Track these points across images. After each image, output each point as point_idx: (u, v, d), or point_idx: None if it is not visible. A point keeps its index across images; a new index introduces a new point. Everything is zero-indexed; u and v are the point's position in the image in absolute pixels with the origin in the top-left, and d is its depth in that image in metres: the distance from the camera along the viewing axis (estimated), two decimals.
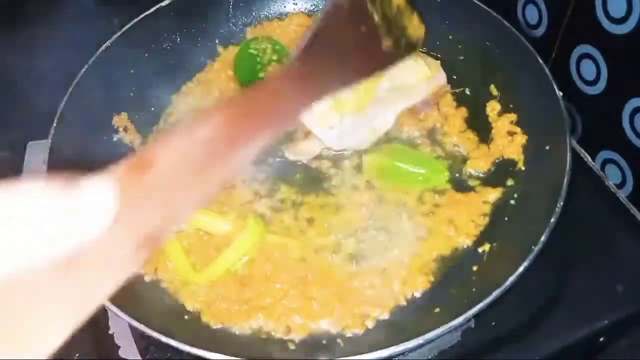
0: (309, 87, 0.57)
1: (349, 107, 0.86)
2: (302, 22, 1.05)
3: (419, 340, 0.65)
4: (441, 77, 0.94)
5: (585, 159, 0.97)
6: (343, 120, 0.86)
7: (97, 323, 0.82)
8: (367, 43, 0.67)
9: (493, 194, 0.84)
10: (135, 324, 0.68)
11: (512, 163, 0.87)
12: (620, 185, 0.94)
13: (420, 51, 0.92)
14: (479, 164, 0.88)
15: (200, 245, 0.82)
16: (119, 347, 0.80)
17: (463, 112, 0.94)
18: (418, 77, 0.90)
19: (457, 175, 0.88)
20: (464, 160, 0.89)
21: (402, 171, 0.87)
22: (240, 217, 0.82)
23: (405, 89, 0.90)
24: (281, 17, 1.08)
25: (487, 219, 0.83)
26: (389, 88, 0.89)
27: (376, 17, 0.68)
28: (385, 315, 0.76)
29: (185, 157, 0.37)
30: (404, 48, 0.72)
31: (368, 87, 0.87)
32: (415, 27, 0.75)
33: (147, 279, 0.80)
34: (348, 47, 0.66)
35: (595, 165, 0.97)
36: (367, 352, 0.65)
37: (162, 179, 0.35)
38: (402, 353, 0.67)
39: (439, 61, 0.93)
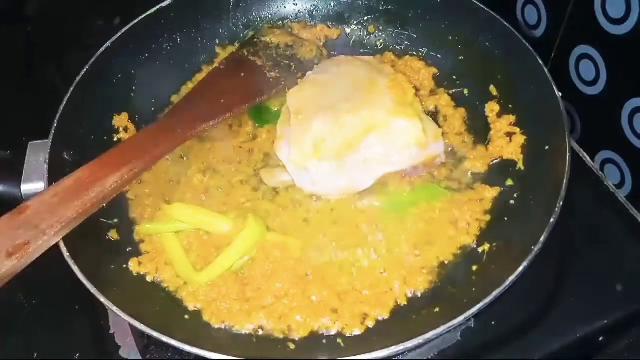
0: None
1: (327, 154, 0.82)
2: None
3: (419, 340, 0.66)
4: (438, 147, 0.87)
5: (585, 159, 0.98)
6: (320, 165, 0.83)
7: (97, 323, 0.82)
8: (251, 78, 0.94)
9: (492, 192, 0.85)
10: (135, 324, 0.68)
11: (512, 163, 0.87)
12: (620, 185, 0.94)
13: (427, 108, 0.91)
14: (477, 165, 0.88)
15: (201, 244, 0.82)
16: (119, 347, 0.80)
17: (462, 112, 0.94)
18: (410, 140, 0.83)
19: (456, 176, 0.88)
20: (463, 160, 0.89)
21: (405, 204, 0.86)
22: (241, 217, 0.82)
23: (394, 151, 0.83)
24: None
25: (487, 217, 0.83)
26: (377, 146, 0.82)
27: (259, 61, 0.96)
28: (385, 315, 0.76)
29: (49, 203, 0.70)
30: (299, 66, 0.97)
31: (351, 139, 0.82)
32: (306, 51, 0.99)
33: (148, 279, 0.80)
34: (232, 86, 0.92)
35: (595, 165, 0.97)
36: (367, 352, 0.65)
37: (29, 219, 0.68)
38: (402, 353, 0.68)
39: (441, 129, 0.89)
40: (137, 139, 0.86)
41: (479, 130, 0.92)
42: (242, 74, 0.95)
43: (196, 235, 0.83)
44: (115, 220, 0.85)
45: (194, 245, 0.82)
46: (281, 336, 0.74)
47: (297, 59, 0.99)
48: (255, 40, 1.01)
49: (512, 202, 0.83)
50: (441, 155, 0.88)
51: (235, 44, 1.05)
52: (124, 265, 0.80)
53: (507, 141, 0.89)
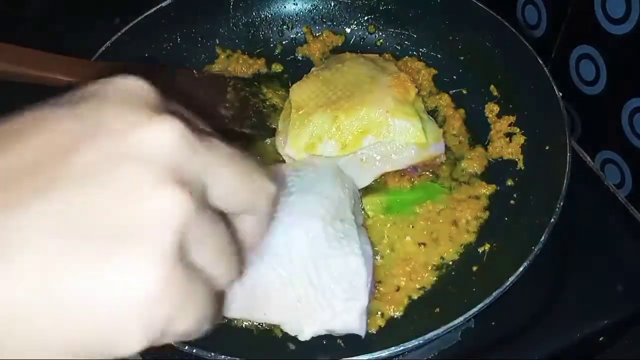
0: None
1: (323, 155, 0.82)
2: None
3: (419, 340, 0.66)
4: (439, 147, 0.85)
5: (585, 159, 0.97)
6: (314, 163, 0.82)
7: None
8: (198, 102, 0.85)
9: (488, 188, 0.85)
10: None
11: (512, 163, 0.87)
12: (620, 185, 0.94)
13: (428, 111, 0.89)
14: (474, 165, 0.88)
15: None
16: None
17: (462, 113, 0.94)
18: (410, 140, 0.82)
19: (455, 175, 0.88)
20: (462, 160, 0.89)
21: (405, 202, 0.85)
22: None
23: (392, 151, 0.82)
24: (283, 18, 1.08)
25: (486, 214, 0.83)
26: (375, 146, 0.82)
27: (230, 95, 0.89)
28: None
29: None
30: (264, 127, 0.91)
31: (348, 142, 0.81)
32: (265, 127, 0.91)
33: None
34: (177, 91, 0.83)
35: (595, 165, 0.97)
36: (367, 353, 0.65)
37: None
38: (402, 353, 0.67)
39: (441, 130, 0.88)
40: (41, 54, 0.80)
41: (479, 131, 0.92)
42: (200, 92, 0.88)
43: None
44: None
45: None
46: (280, 335, 0.74)
47: (262, 119, 0.92)
48: (255, 83, 0.96)
49: (512, 202, 0.83)
50: (441, 155, 0.87)
51: (236, 43, 1.05)
52: None
53: (507, 141, 0.89)
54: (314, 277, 0.69)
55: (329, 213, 0.73)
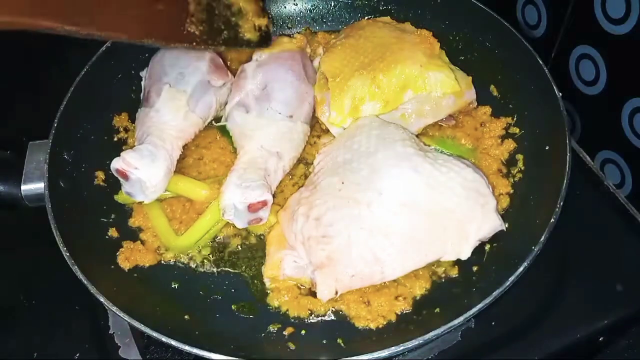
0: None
1: (366, 114, 0.85)
2: None
3: (419, 340, 0.66)
4: (471, 93, 0.89)
5: (585, 159, 0.98)
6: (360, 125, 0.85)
7: (97, 323, 0.82)
8: (162, 10, 0.71)
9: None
10: (136, 324, 0.68)
11: (512, 163, 0.87)
12: (620, 185, 0.94)
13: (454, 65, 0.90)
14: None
15: (184, 212, 0.84)
16: (119, 347, 0.80)
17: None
18: (446, 90, 0.85)
19: None
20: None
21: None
22: (217, 182, 0.84)
23: (431, 103, 0.86)
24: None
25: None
26: (413, 101, 0.85)
27: (192, 5, 0.75)
28: None
29: None
30: (238, 40, 0.82)
31: (389, 98, 0.84)
32: (251, 31, 0.84)
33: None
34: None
35: (595, 165, 0.97)
36: (367, 353, 0.65)
37: None
38: (402, 353, 0.67)
39: (470, 77, 0.90)
40: None
41: (478, 130, 0.92)
42: (159, 6, 0.72)
43: (179, 202, 0.85)
44: (113, 216, 0.85)
45: (177, 213, 0.84)
46: (281, 334, 0.75)
47: (234, 31, 0.82)
48: None
49: (512, 202, 0.83)
50: (473, 101, 0.90)
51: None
52: None
53: (507, 141, 0.88)
54: (446, 203, 0.74)
55: (415, 147, 0.78)
